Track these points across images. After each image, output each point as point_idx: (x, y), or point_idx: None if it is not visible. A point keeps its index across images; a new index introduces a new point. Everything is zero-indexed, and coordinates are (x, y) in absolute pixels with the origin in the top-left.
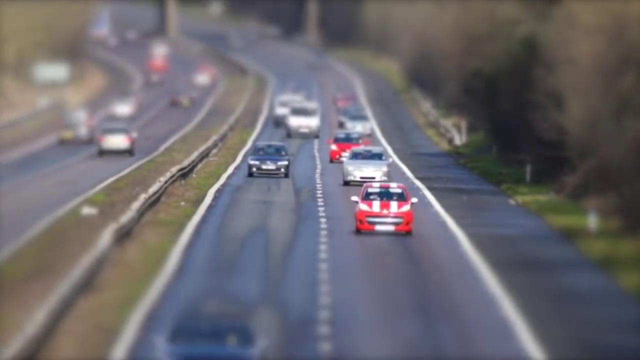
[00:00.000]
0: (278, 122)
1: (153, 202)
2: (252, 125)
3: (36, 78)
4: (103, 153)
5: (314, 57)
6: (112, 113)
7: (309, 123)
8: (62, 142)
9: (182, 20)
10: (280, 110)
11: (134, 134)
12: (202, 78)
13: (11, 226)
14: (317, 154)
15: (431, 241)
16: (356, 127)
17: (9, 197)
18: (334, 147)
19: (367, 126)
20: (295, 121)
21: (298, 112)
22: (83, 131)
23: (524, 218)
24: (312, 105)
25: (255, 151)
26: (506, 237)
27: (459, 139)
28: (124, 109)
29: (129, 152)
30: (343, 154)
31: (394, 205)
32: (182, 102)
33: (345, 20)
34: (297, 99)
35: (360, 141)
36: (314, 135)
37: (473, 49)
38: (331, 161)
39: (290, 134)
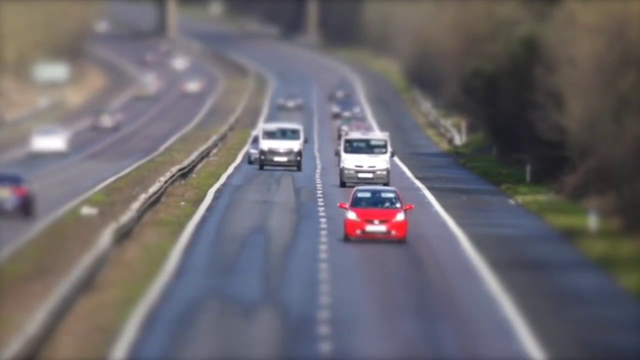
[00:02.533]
0: (262, 162)
1: (153, 202)
2: (252, 125)
3: (36, 78)
4: (184, 95)
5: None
6: (172, 68)
7: (373, 163)
8: (137, 98)
9: (181, 20)
10: (267, 144)
11: (204, 82)
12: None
13: (11, 226)
14: (317, 154)
15: (431, 241)
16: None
17: None
18: (352, 215)
19: (380, 162)
20: (351, 160)
21: (356, 148)
22: (152, 89)
23: (524, 218)
24: (379, 135)
25: None
26: (506, 237)
27: (459, 139)
28: (180, 64)
29: (199, 94)
30: (367, 228)
31: None
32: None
33: (345, 20)
34: (294, 127)
35: (399, 205)
36: (382, 182)
37: (473, 49)
38: (346, 238)
39: (343, 180)
